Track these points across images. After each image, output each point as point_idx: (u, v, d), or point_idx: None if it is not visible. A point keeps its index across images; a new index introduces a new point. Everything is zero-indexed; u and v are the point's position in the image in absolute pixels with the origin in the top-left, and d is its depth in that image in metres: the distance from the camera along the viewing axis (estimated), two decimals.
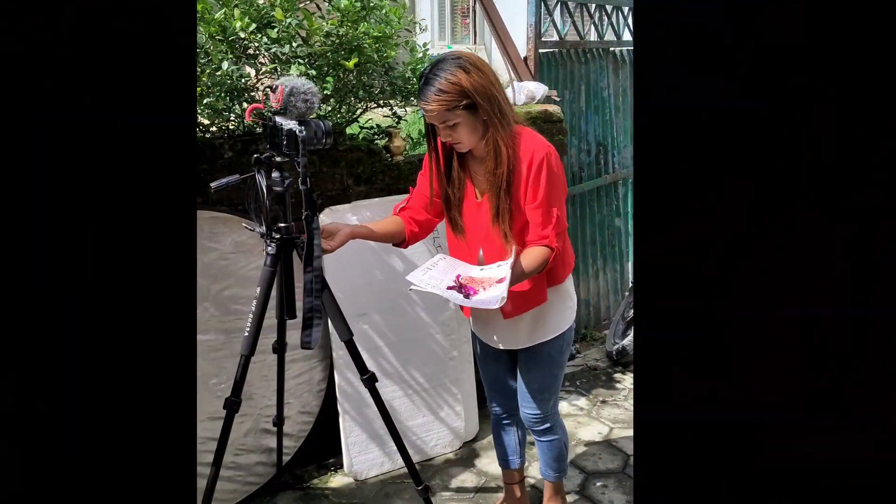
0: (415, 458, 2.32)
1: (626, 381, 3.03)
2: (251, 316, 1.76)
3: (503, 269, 1.61)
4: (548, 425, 1.95)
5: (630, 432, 2.62)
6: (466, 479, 2.37)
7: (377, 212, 2.30)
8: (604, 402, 2.86)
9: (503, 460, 2.09)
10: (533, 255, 1.63)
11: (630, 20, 3.52)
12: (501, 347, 1.89)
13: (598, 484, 2.32)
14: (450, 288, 1.59)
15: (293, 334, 1.95)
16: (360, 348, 1.97)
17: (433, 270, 1.67)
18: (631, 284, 3.48)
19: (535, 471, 2.29)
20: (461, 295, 1.57)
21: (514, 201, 1.63)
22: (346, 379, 2.29)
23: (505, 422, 2.05)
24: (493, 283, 1.59)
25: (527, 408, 1.93)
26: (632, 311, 3.20)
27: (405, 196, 2.35)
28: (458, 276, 1.64)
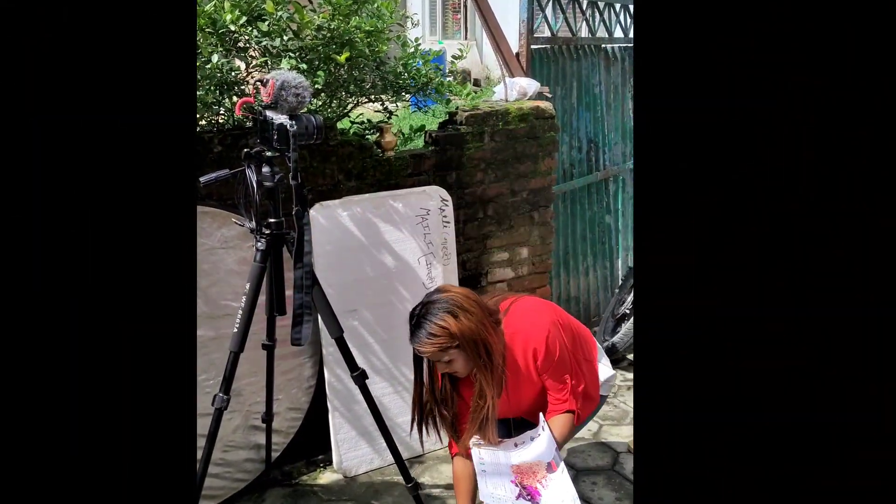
0: (404, 455, 2.31)
1: (616, 378, 3.03)
2: (240, 312, 1.75)
3: (543, 440, 1.68)
4: None
5: (620, 430, 2.62)
6: None
7: (367, 207, 2.28)
8: None
9: None
10: (560, 425, 1.73)
11: (622, 17, 3.52)
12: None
13: (588, 481, 2.32)
14: (518, 497, 1.66)
15: (283, 330, 1.93)
16: (350, 345, 1.96)
17: (488, 474, 1.72)
18: (621, 281, 3.49)
19: None
20: (529, 503, 1.66)
21: (517, 397, 1.75)
22: (336, 375, 2.28)
23: None
24: (544, 472, 1.67)
25: None
26: (622, 307, 3.21)
27: (398, 191, 2.34)
28: (513, 480, 1.69)
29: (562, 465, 1.63)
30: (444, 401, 1.79)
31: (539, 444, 1.69)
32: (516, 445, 1.73)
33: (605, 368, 1.97)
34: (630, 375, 3.06)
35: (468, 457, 1.80)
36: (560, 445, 1.72)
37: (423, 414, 1.81)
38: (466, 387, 1.77)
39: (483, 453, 1.74)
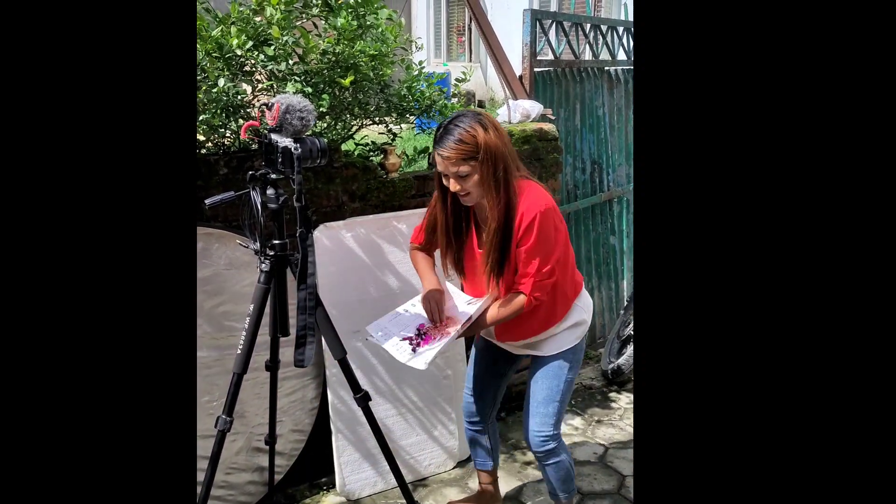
0: (408, 478, 2.30)
1: (622, 400, 3.01)
2: (244, 333, 1.75)
3: (475, 308, 1.73)
4: (552, 446, 1.93)
5: (626, 453, 2.60)
6: (460, 499, 2.34)
7: (371, 228, 2.29)
8: (599, 421, 2.85)
9: (483, 460, 2.18)
10: (506, 305, 1.78)
11: (625, 40, 3.55)
12: (504, 348, 1.99)
13: None
14: (405, 339, 1.69)
15: (286, 352, 1.93)
16: (353, 366, 1.96)
17: (402, 316, 1.76)
18: (626, 302, 3.47)
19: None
20: (410, 348, 1.68)
21: (507, 256, 1.73)
22: (340, 397, 2.27)
23: (477, 422, 2.11)
24: (454, 326, 1.72)
25: (533, 425, 1.92)
26: (627, 329, 3.19)
27: (401, 213, 2.35)
28: (421, 325, 1.73)
29: (459, 329, 1.70)
30: (456, 228, 1.82)
31: (473, 307, 1.77)
32: (468, 303, 1.80)
33: (582, 307, 1.94)
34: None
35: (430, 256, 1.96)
36: (492, 322, 1.79)
37: (447, 236, 1.83)
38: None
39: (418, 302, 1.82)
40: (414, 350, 1.63)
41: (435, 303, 1.83)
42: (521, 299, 1.76)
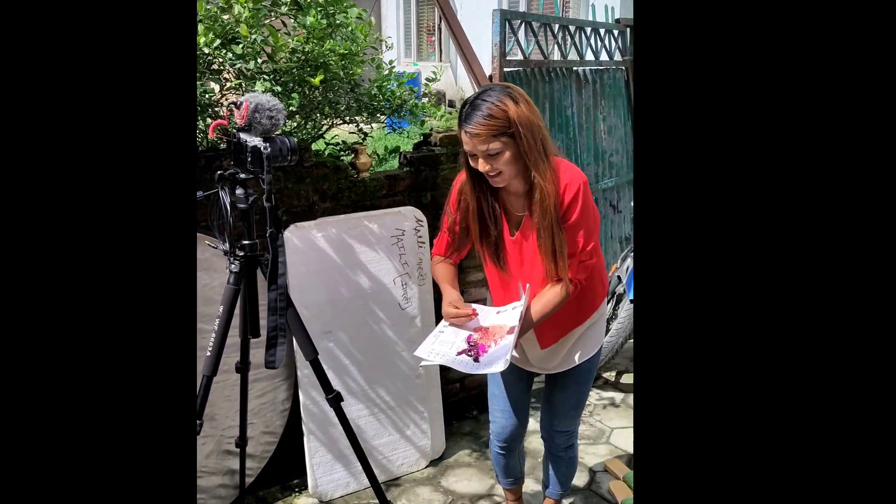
0: (381, 478, 2.29)
1: (592, 396, 3.04)
2: (214, 335, 1.73)
3: (517, 312, 1.60)
4: (574, 441, 1.96)
5: (596, 448, 2.63)
6: (433, 498, 2.35)
7: (342, 228, 2.28)
8: None
9: (514, 479, 2.06)
10: (548, 297, 1.63)
11: (592, 41, 3.59)
12: (534, 370, 1.86)
13: (566, 502, 2.32)
14: (460, 353, 1.57)
15: (257, 353, 1.91)
16: (325, 367, 1.95)
17: (445, 334, 1.65)
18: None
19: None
20: (471, 359, 1.55)
21: (562, 233, 1.59)
22: (311, 398, 2.25)
23: (514, 444, 1.96)
24: (504, 333, 1.59)
25: (561, 426, 1.90)
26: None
27: (373, 212, 2.35)
28: (469, 337, 1.62)
29: (518, 329, 1.57)
30: (494, 218, 1.68)
31: (515, 312, 1.63)
32: (498, 313, 1.69)
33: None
34: (606, 394, 3.08)
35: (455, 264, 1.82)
36: (539, 317, 1.62)
37: (484, 226, 1.69)
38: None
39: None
40: (476, 359, 1.54)
41: (455, 307, 1.69)
42: (563, 287, 1.62)
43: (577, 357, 1.80)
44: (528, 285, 1.64)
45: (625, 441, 2.69)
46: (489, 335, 1.62)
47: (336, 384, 2.13)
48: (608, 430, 2.77)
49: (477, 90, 1.58)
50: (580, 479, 2.43)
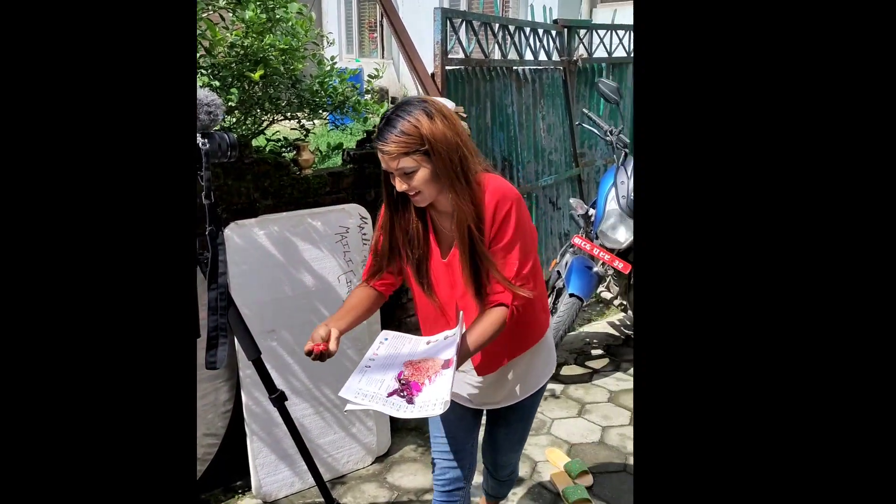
0: (326, 476, 2.29)
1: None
2: None
3: (451, 342, 1.46)
4: (517, 468, 1.93)
5: (538, 439, 2.69)
6: (379, 494, 2.35)
7: (285, 226, 2.26)
8: None
9: None
10: (484, 325, 1.48)
11: (531, 41, 3.66)
12: (474, 406, 1.71)
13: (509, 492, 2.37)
14: (392, 394, 1.41)
15: (197, 354, 1.88)
16: (268, 366, 1.93)
17: (371, 370, 1.48)
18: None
19: None
20: (404, 401, 1.40)
21: (484, 259, 1.47)
22: (254, 398, 2.22)
23: (456, 492, 1.74)
24: (438, 368, 1.44)
25: (504, 461, 1.86)
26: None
27: (316, 209, 2.33)
28: (399, 374, 1.45)
29: (455, 362, 1.42)
30: (410, 240, 1.56)
31: (449, 342, 1.48)
32: (428, 343, 1.53)
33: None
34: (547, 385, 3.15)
35: (379, 287, 1.63)
36: (475, 346, 1.47)
37: (392, 251, 1.57)
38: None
39: (384, 348, 1.54)
40: (411, 401, 1.39)
41: (321, 336, 1.47)
42: (500, 312, 1.48)
43: (518, 390, 1.68)
44: (461, 312, 1.50)
45: (565, 432, 2.76)
46: (422, 371, 1.46)
47: (280, 384, 2.11)
48: (549, 420, 2.84)
49: (393, 105, 1.48)
50: (522, 471, 2.48)
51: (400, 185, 1.45)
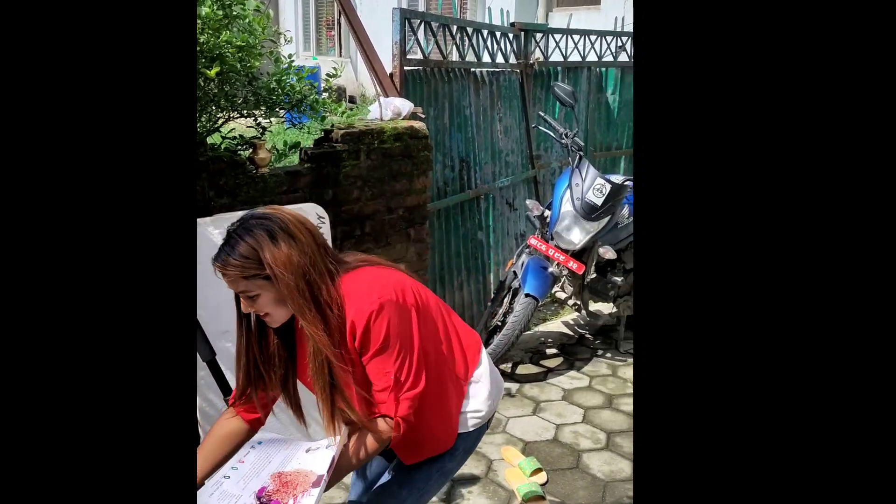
0: None
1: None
2: None
3: (329, 454, 1.34)
4: None
5: (493, 437, 2.73)
6: (335, 495, 2.35)
7: None
8: None
9: None
10: (368, 439, 1.34)
11: (489, 43, 3.70)
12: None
13: (464, 490, 2.39)
14: None
15: None
16: (223, 368, 1.91)
17: (231, 481, 1.31)
18: (493, 294, 3.64)
19: None
20: None
21: (339, 384, 1.32)
22: (208, 400, 2.19)
23: None
24: (308, 486, 1.28)
25: None
26: (493, 319, 3.34)
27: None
28: (261, 490, 1.29)
29: (326, 480, 1.30)
30: (268, 360, 1.41)
31: (327, 454, 1.35)
32: (308, 451, 1.39)
33: (482, 388, 1.51)
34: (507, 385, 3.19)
35: (251, 421, 1.46)
36: (349, 466, 1.35)
37: (250, 376, 1.42)
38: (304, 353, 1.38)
39: (253, 454, 1.40)
40: None
41: None
42: (383, 426, 1.33)
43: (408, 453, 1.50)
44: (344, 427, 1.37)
45: (520, 430, 2.80)
46: (289, 488, 1.29)
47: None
48: (504, 419, 2.88)
49: (240, 217, 1.32)
50: (478, 469, 2.51)
51: (245, 307, 1.33)
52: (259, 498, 1.27)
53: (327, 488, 1.32)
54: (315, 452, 1.37)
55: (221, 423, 1.47)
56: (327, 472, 1.29)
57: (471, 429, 1.50)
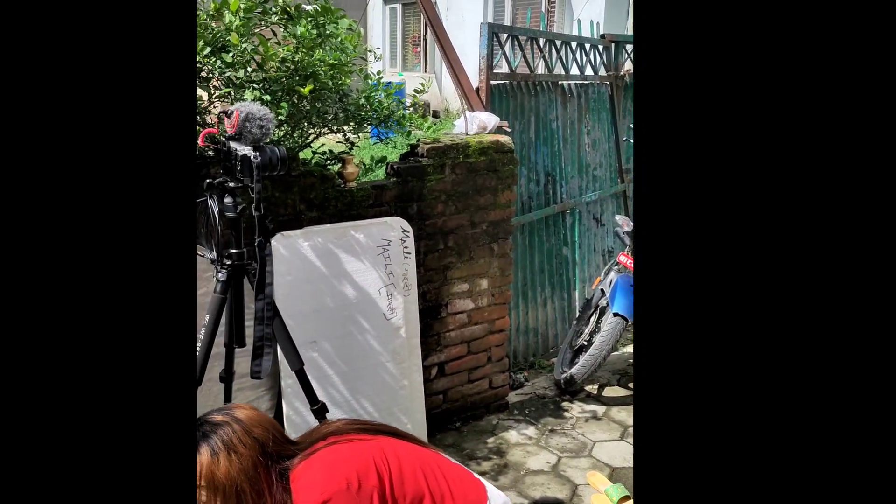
0: None
1: (574, 409, 3.06)
2: (199, 344, 1.71)
3: None
4: None
5: (578, 461, 2.64)
6: None
7: (328, 238, 2.28)
8: (552, 430, 2.89)
9: None
10: None
11: (578, 55, 3.64)
12: None
13: None
14: None
15: (241, 362, 1.90)
16: (310, 377, 1.94)
17: None
18: (579, 312, 3.54)
19: None
20: None
21: None
22: (295, 409, 2.24)
23: None
24: None
25: None
26: (580, 338, 3.25)
27: (359, 222, 2.35)
28: None
29: None
30: None
31: None
32: None
33: None
34: (588, 407, 3.09)
35: None
36: None
37: None
38: None
39: None
40: None
41: None
42: None
43: None
44: None
45: (606, 455, 2.70)
46: None
47: (321, 395, 2.12)
48: (590, 443, 2.79)
49: (203, 417, 1.31)
50: (562, 493, 2.44)
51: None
52: None
53: None
54: None
55: None
56: None
57: None
